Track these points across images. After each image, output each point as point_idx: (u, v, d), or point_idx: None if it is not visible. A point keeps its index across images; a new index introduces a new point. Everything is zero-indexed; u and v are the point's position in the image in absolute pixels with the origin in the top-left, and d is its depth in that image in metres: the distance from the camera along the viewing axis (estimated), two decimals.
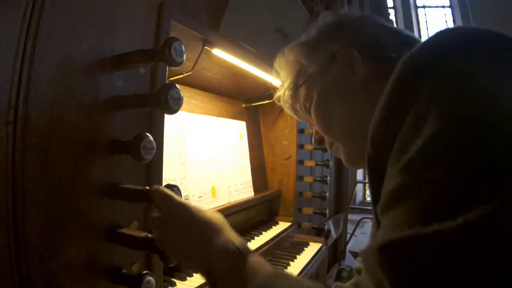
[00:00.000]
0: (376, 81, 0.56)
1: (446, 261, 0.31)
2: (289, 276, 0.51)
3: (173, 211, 0.58)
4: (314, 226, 1.80)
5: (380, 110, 0.43)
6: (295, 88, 0.67)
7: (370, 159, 0.46)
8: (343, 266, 2.16)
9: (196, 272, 0.58)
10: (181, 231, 0.56)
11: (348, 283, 0.64)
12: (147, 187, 0.65)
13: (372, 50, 0.58)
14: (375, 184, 0.45)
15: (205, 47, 0.99)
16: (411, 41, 0.59)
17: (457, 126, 0.35)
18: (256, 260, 0.54)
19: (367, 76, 0.58)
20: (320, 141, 0.69)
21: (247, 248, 0.55)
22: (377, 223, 0.47)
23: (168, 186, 0.63)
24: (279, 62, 0.71)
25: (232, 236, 0.57)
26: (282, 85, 0.72)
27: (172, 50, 0.62)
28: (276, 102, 0.76)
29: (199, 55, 1.00)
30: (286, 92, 0.69)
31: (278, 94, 0.73)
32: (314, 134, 0.71)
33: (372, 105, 0.46)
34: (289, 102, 0.70)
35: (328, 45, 0.62)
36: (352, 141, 0.61)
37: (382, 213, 0.40)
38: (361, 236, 2.48)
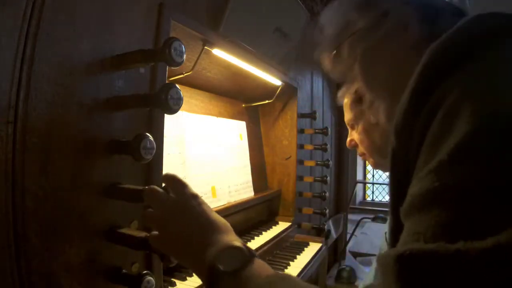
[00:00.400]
0: (426, 43, 0.53)
1: (465, 283, 0.28)
2: (291, 278, 0.51)
3: (185, 199, 0.59)
4: (314, 226, 1.80)
5: (407, 99, 0.41)
6: (340, 42, 0.65)
7: (395, 152, 0.44)
8: (343, 266, 2.16)
9: (192, 267, 0.58)
10: (192, 221, 0.57)
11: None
12: (147, 187, 0.65)
13: (425, 12, 0.57)
14: (398, 180, 0.43)
15: (205, 47, 0.99)
16: (461, 12, 0.58)
17: (491, 128, 0.32)
18: (261, 262, 0.54)
19: (418, 36, 0.56)
20: (358, 101, 0.67)
21: (253, 250, 0.56)
22: (395, 223, 0.44)
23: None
24: (324, 16, 0.69)
25: (238, 239, 0.58)
26: (325, 39, 0.69)
27: (172, 50, 0.62)
28: (315, 56, 0.73)
29: (199, 55, 1.00)
30: (330, 46, 0.68)
31: (320, 48, 0.71)
32: (352, 93, 0.68)
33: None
34: (331, 56, 0.68)
35: (381, 1, 0.61)
36: (395, 98, 0.57)
37: (406, 217, 0.37)
38: (361, 236, 2.48)
